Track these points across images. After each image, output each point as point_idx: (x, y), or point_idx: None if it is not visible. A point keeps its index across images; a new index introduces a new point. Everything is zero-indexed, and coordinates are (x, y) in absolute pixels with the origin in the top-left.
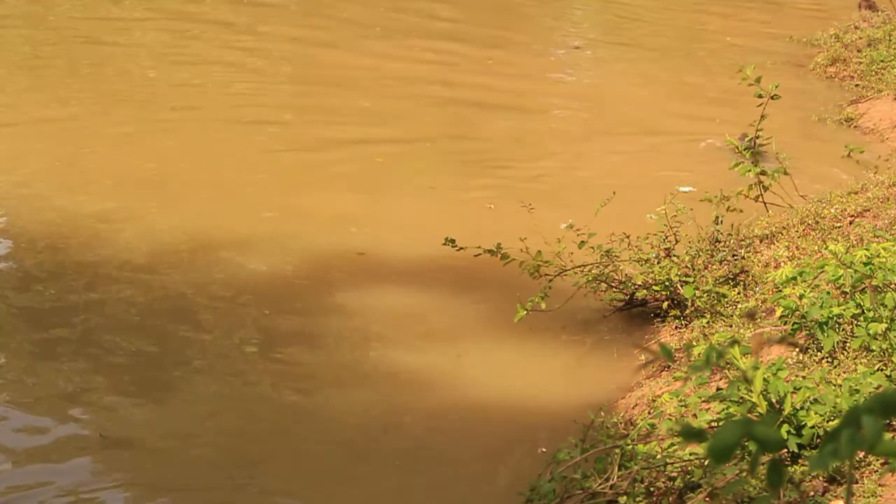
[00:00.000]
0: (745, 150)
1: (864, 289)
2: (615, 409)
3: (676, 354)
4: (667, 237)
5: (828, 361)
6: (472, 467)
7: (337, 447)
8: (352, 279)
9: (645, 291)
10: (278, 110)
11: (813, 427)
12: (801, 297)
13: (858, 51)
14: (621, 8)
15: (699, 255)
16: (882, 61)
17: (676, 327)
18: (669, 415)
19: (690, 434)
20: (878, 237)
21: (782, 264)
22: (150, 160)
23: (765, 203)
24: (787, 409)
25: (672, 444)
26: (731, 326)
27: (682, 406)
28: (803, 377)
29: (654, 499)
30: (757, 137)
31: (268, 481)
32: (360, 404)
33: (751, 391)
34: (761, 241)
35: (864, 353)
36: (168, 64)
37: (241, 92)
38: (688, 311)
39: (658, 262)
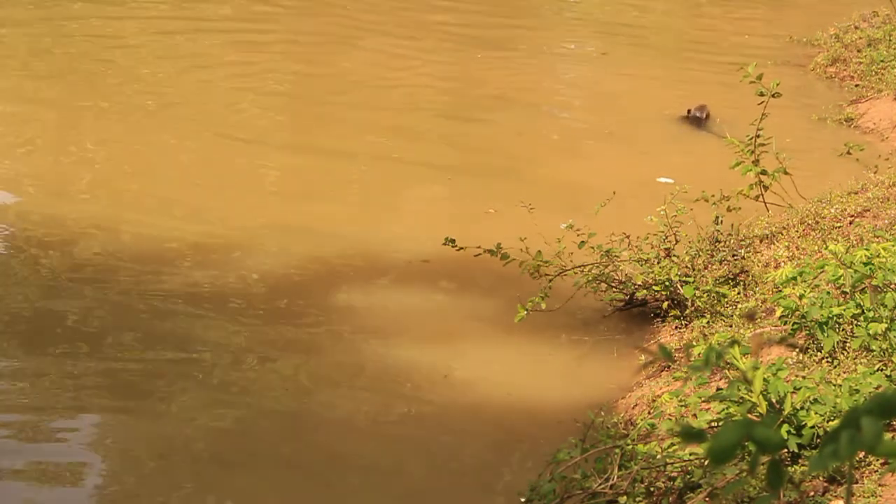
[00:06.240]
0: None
1: (864, 289)
2: (615, 409)
3: (676, 354)
4: (667, 237)
5: (828, 361)
6: (472, 467)
7: (333, 447)
8: (351, 279)
9: (645, 291)
10: (278, 109)
11: (813, 427)
12: (801, 297)
13: (858, 51)
14: (623, 8)
15: (699, 255)
16: (882, 61)
17: (676, 327)
18: (669, 415)
19: (690, 435)
20: (878, 237)
21: (782, 264)
22: (149, 160)
23: (765, 203)
24: (787, 410)
25: (672, 444)
26: (731, 326)
27: (682, 406)
28: (803, 377)
29: (654, 499)
30: (757, 136)
31: (261, 479)
32: (358, 404)
33: (751, 391)
34: (761, 241)
35: (864, 353)
36: (169, 63)
37: (242, 90)
38: (688, 311)
39: (658, 262)
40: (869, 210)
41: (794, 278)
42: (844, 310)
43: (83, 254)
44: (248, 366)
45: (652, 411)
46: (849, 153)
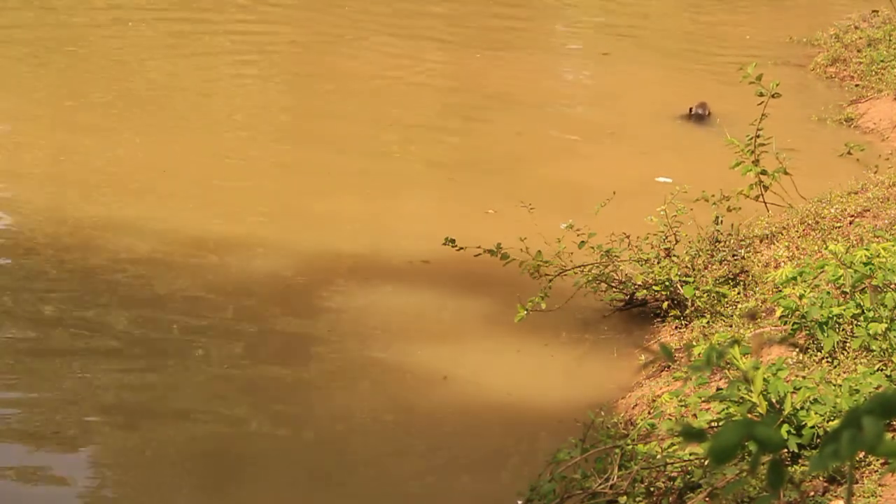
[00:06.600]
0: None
1: (864, 289)
2: (615, 409)
3: (676, 354)
4: (667, 237)
5: (828, 361)
6: (472, 467)
7: (332, 447)
8: (351, 279)
9: (645, 291)
10: (279, 109)
11: (813, 427)
12: (801, 297)
13: (858, 51)
14: (624, 8)
15: (699, 255)
16: (882, 61)
17: (676, 327)
18: (669, 415)
19: (690, 434)
20: (878, 237)
21: (782, 264)
22: (149, 161)
23: (765, 203)
24: (787, 409)
25: (672, 444)
26: (731, 326)
27: (682, 406)
28: (803, 377)
29: (654, 499)
30: (757, 136)
31: (262, 476)
32: (358, 404)
33: (751, 391)
34: (761, 241)
35: (864, 353)
36: (169, 62)
37: (242, 92)
38: (688, 311)
39: (658, 262)
40: (869, 210)
41: (794, 278)
42: (844, 310)
43: (86, 252)
44: (248, 365)
45: (652, 411)
46: (849, 153)
